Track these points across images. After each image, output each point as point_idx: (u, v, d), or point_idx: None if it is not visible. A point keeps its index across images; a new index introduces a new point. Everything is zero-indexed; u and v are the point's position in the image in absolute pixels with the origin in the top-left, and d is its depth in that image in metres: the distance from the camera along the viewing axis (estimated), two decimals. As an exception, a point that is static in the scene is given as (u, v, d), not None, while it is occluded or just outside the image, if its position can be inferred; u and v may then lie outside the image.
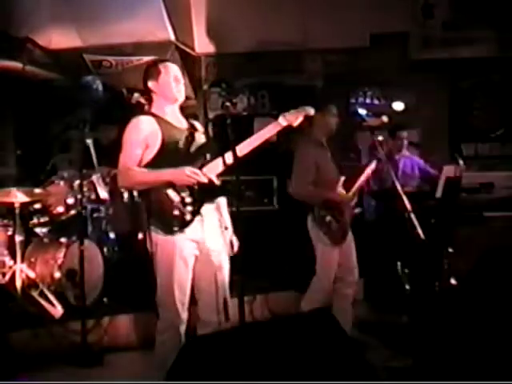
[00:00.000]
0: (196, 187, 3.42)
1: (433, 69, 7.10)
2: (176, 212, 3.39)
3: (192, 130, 3.60)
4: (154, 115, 3.51)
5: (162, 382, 2.91)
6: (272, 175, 6.32)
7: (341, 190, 4.55)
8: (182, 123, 3.61)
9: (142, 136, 3.43)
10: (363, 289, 5.90)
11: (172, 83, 3.53)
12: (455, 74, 7.35)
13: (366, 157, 5.18)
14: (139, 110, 3.85)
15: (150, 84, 3.56)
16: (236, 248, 3.58)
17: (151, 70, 3.60)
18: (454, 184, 5.19)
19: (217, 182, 3.46)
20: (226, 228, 3.57)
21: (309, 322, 2.87)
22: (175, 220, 3.38)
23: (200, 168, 3.43)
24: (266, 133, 3.56)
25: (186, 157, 3.48)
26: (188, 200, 3.42)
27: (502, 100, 7.37)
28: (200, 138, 3.59)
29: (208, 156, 3.53)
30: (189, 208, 3.41)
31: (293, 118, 3.62)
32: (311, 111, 3.77)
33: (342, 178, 4.57)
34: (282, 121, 3.59)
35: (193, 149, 3.52)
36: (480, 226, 5.27)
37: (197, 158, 3.50)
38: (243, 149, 3.47)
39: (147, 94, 3.62)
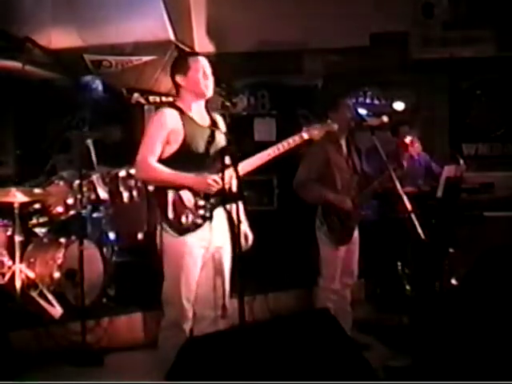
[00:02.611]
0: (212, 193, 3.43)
1: (433, 69, 7.10)
2: (187, 215, 3.38)
3: (214, 127, 3.53)
4: (179, 109, 3.47)
5: (162, 382, 2.91)
6: (272, 175, 6.31)
7: (353, 192, 4.54)
8: (205, 120, 3.55)
9: (165, 131, 3.40)
10: (364, 289, 5.90)
11: (201, 79, 3.46)
12: (455, 73, 7.35)
13: (365, 158, 5.17)
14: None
15: (178, 78, 3.49)
16: (250, 241, 3.59)
17: (180, 64, 3.52)
18: (455, 184, 5.19)
19: (234, 189, 3.45)
20: (240, 222, 3.56)
21: (309, 321, 2.87)
22: (185, 222, 3.38)
23: (218, 172, 3.41)
24: (286, 144, 3.58)
25: (205, 159, 3.45)
26: (201, 203, 3.42)
27: (502, 100, 7.37)
28: (220, 138, 3.52)
29: (227, 159, 3.46)
30: (201, 212, 3.41)
31: (315, 133, 3.68)
32: (335, 126, 3.80)
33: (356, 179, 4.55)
34: (305, 134, 3.64)
35: (212, 151, 3.47)
36: (480, 226, 5.26)
37: (215, 162, 3.45)
38: (260, 159, 3.50)
39: (174, 87, 3.55)
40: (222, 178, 3.40)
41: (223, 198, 3.44)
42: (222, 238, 3.51)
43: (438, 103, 7.38)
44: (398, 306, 4.97)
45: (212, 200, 3.44)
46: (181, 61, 3.56)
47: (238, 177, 3.28)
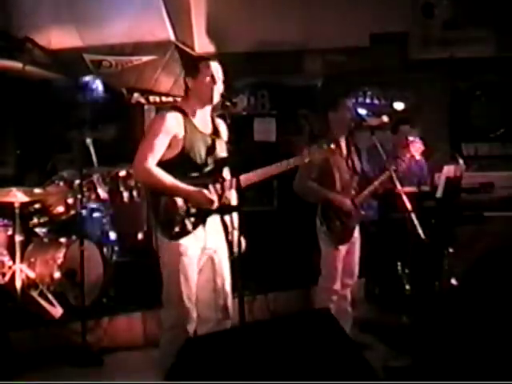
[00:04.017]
0: None
1: (433, 69, 7.10)
2: (179, 220, 3.38)
3: (215, 136, 3.53)
4: (183, 113, 3.45)
5: (162, 382, 2.91)
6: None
7: (353, 192, 4.54)
8: (207, 127, 3.54)
9: (168, 137, 3.38)
10: (364, 289, 5.90)
11: (208, 83, 3.44)
12: (455, 73, 7.34)
13: (365, 158, 5.17)
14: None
15: (188, 80, 3.50)
16: (243, 247, 3.57)
17: (191, 66, 3.54)
18: (454, 184, 5.19)
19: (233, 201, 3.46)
20: (234, 228, 3.56)
21: (309, 321, 2.87)
22: (176, 227, 3.38)
23: (214, 182, 3.43)
24: (287, 165, 3.60)
25: (203, 167, 3.45)
26: (193, 210, 3.41)
27: (502, 100, 7.37)
28: (221, 148, 3.53)
29: (226, 170, 3.49)
30: (192, 219, 3.41)
31: (316, 156, 3.71)
32: (336, 151, 3.85)
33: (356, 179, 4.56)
34: (306, 158, 3.68)
35: (211, 160, 3.47)
36: (480, 226, 5.26)
37: (214, 171, 3.46)
38: (259, 176, 3.50)
39: (184, 88, 3.55)
40: (221, 191, 3.42)
41: (219, 208, 3.44)
42: (218, 238, 3.51)
43: (438, 103, 7.38)
44: (398, 305, 4.96)
45: (204, 209, 3.42)
46: (192, 63, 3.58)
47: (238, 188, 3.24)
